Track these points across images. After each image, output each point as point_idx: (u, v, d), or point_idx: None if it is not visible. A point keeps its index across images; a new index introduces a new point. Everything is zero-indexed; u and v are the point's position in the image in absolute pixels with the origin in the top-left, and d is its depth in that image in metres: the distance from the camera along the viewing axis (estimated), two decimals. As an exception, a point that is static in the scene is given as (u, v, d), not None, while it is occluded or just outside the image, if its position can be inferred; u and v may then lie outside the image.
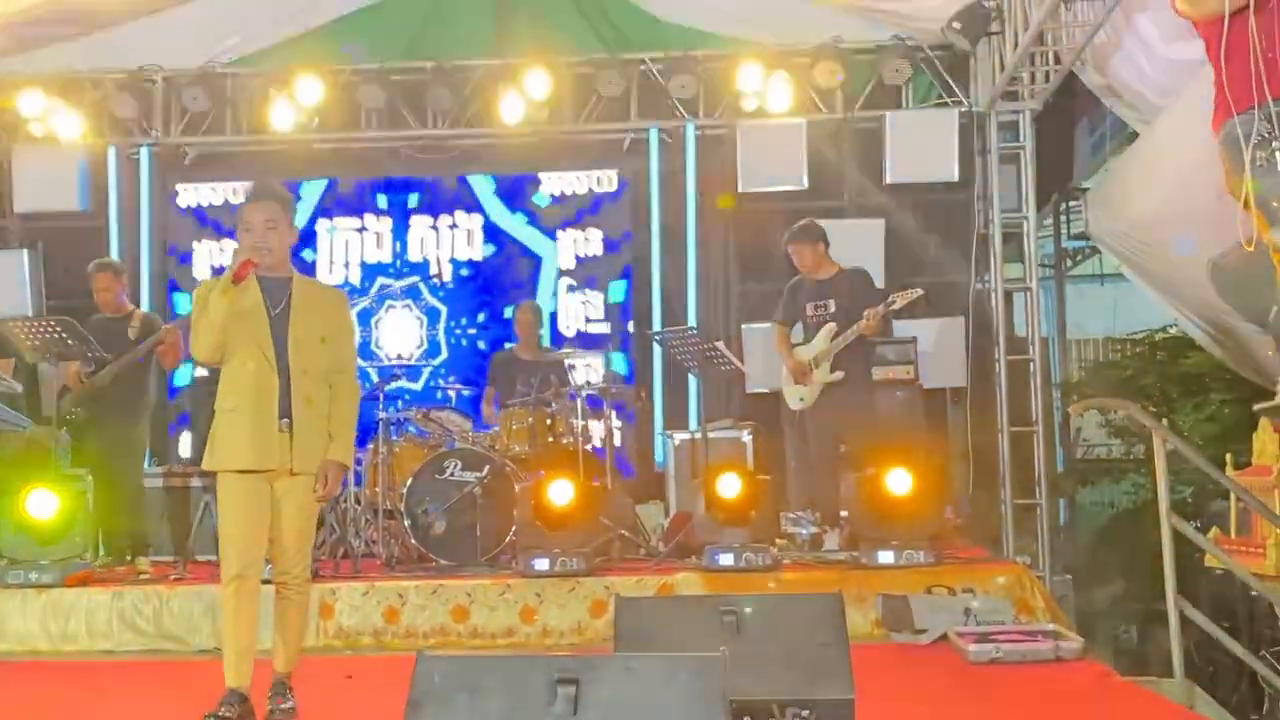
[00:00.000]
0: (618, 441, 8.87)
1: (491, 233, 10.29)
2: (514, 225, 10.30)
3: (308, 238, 10.30)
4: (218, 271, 9.62)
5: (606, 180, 10.25)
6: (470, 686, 2.93)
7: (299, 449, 4.64)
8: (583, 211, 10.26)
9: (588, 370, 9.86)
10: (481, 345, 10.22)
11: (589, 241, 10.25)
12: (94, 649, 6.66)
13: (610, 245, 10.24)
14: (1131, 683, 5.41)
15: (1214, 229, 6.25)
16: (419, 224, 10.36)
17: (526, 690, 2.91)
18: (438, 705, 2.92)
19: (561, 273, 10.26)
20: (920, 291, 7.85)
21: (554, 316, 10.16)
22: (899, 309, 7.73)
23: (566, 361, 8.61)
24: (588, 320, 10.24)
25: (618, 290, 10.24)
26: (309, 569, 4.85)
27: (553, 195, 10.28)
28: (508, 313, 9.98)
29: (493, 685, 2.93)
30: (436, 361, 10.25)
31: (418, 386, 9.98)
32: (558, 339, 9.98)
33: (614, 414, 8.63)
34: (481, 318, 10.29)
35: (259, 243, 4.63)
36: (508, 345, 9.34)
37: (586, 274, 10.26)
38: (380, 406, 7.95)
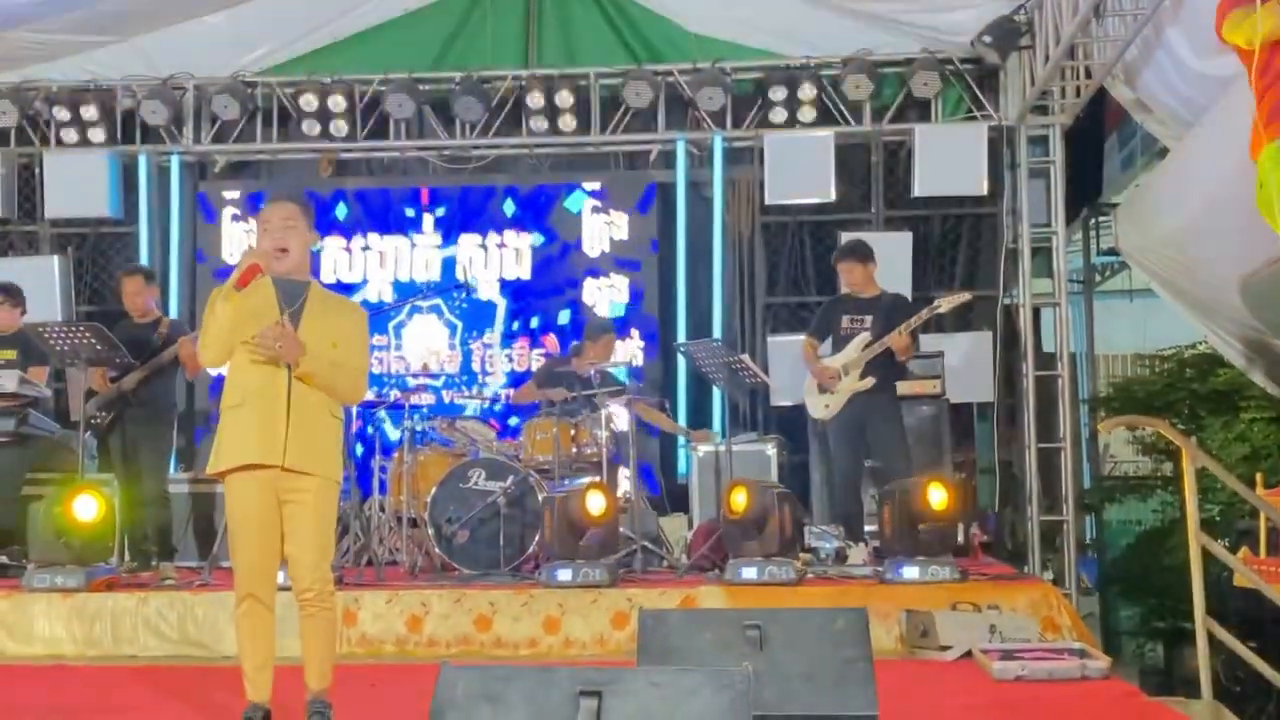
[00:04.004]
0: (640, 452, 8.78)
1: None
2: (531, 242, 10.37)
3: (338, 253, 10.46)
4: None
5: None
6: (492, 697, 2.93)
7: (294, 443, 4.41)
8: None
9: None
10: (505, 355, 10.27)
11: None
12: (118, 654, 6.67)
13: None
14: (1158, 703, 5.35)
15: (1245, 245, 6.21)
16: (467, 242, 10.40)
17: (549, 702, 2.91)
18: (460, 715, 2.92)
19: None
20: (968, 295, 7.78)
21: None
22: (944, 313, 7.66)
23: (592, 370, 8.55)
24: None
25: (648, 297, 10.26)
26: (330, 582, 4.58)
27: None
28: (532, 323, 10.12)
29: (515, 696, 2.93)
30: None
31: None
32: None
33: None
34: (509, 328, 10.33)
35: (277, 241, 4.50)
36: (567, 357, 9.31)
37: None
38: (405, 415, 7.98)
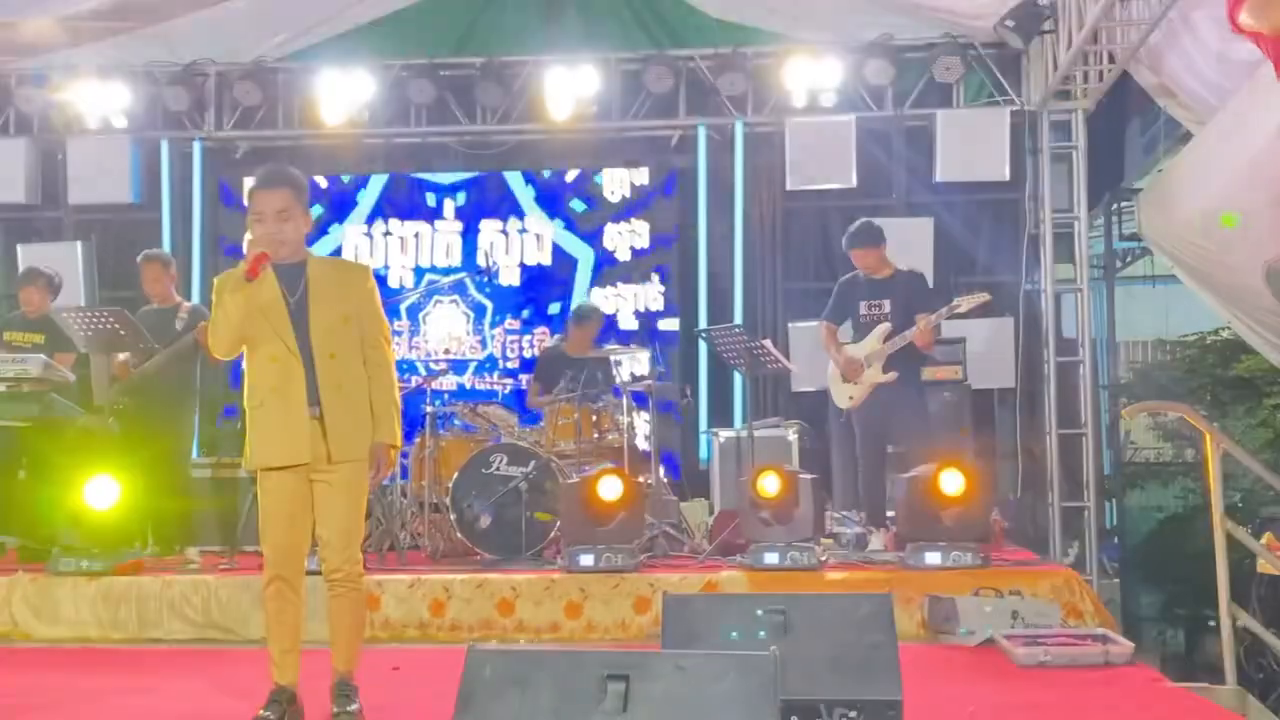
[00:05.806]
0: (661, 438, 8.84)
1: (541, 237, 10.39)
2: (553, 228, 10.38)
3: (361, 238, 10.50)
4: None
5: (654, 178, 10.29)
6: (520, 680, 2.95)
7: (334, 436, 4.43)
8: (630, 209, 10.28)
9: (634, 364, 9.79)
10: (525, 341, 10.28)
11: (636, 235, 10.27)
12: (143, 637, 6.72)
13: (658, 241, 10.25)
14: (1183, 688, 5.34)
15: (1270, 230, 6.19)
16: (488, 228, 10.42)
17: (576, 685, 2.92)
18: (488, 698, 2.93)
19: (614, 262, 10.31)
20: (987, 296, 7.69)
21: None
22: (964, 312, 7.61)
23: (612, 358, 8.59)
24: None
25: (668, 286, 10.25)
26: (360, 563, 4.61)
27: (598, 195, 10.33)
28: (552, 309, 10.14)
29: (543, 680, 2.94)
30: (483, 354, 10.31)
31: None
32: (606, 335, 9.94)
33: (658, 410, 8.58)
34: (526, 314, 10.33)
35: (272, 234, 4.46)
36: (557, 341, 9.36)
37: (638, 268, 10.28)
38: (427, 400, 8.01)
